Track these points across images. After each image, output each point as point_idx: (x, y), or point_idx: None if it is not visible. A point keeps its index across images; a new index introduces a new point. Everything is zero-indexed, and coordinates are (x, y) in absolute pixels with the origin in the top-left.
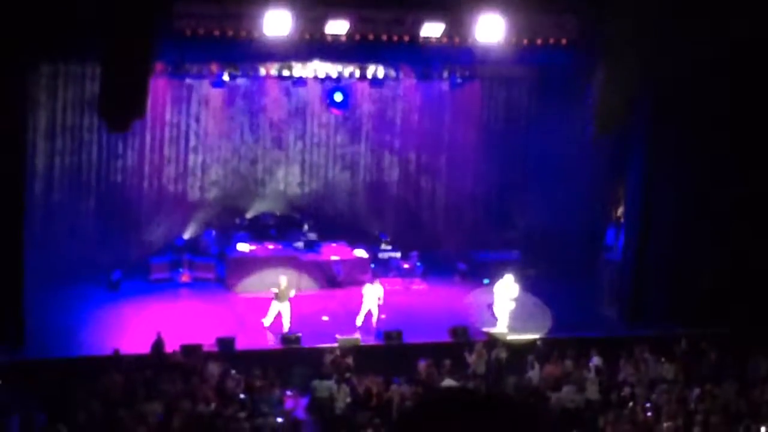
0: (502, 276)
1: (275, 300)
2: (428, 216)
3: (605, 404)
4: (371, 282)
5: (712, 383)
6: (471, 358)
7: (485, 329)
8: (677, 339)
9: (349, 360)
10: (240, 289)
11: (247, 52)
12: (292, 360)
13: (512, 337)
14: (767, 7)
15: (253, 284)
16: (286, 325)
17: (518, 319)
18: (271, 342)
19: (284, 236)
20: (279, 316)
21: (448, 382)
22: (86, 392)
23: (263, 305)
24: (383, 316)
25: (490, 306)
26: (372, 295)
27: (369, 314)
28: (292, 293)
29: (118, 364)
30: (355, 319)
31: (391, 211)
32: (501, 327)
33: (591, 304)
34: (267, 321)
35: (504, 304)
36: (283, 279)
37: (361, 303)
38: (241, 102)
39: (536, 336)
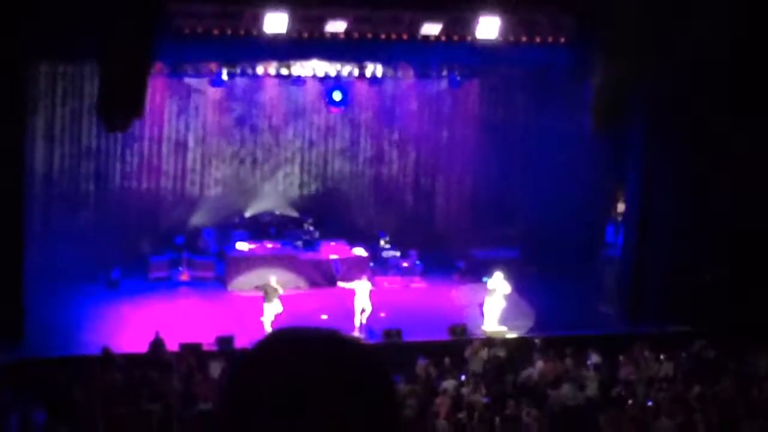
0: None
1: (265, 301)
2: (427, 214)
3: (605, 402)
4: (359, 280)
5: (712, 381)
6: (468, 357)
7: (483, 328)
8: (679, 337)
9: None
10: (237, 287)
11: (246, 51)
12: None
13: (510, 335)
14: (766, 5)
15: (250, 283)
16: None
17: (504, 317)
18: None
19: (283, 235)
20: (275, 314)
21: (448, 381)
22: (86, 391)
23: (262, 304)
24: (382, 315)
25: (480, 304)
26: (363, 292)
27: (363, 312)
28: (279, 293)
29: (110, 363)
30: (353, 319)
31: (390, 209)
32: (494, 325)
33: (590, 302)
34: (266, 320)
35: (495, 302)
36: (272, 279)
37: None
38: (239, 101)
39: (531, 334)
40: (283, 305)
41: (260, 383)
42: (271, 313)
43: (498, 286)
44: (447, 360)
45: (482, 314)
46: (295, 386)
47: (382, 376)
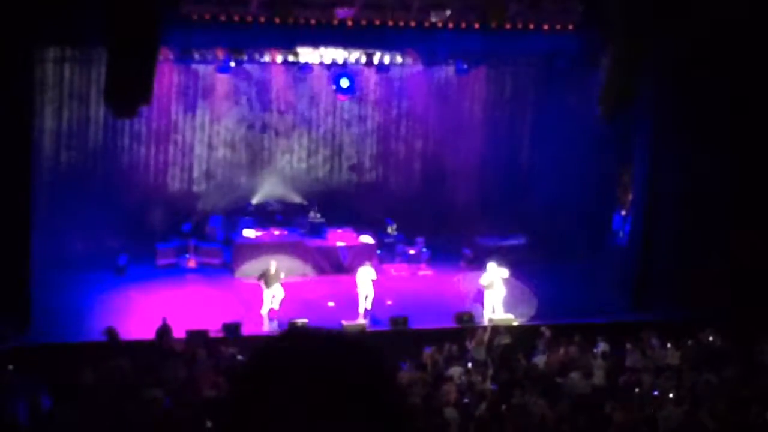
0: (504, 262)
1: (265, 287)
2: (434, 202)
3: (612, 390)
4: (362, 266)
5: (719, 369)
6: (470, 345)
7: (488, 316)
8: (686, 325)
9: None
10: (244, 274)
11: (254, 38)
12: None
13: (516, 323)
14: None
15: (257, 270)
16: (276, 309)
17: (505, 305)
18: (272, 330)
19: (290, 222)
20: (277, 300)
21: (454, 368)
22: (93, 377)
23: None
24: (389, 302)
25: (479, 293)
26: (366, 279)
27: (367, 298)
28: (281, 277)
29: (116, 347)
30: (358, 306)
31: (397, 197)
32: (499, 313)
33: (597, 290)
34: (264, 309)
35: (495, 292)
36: (272, 264)
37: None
38: (247, 88)
39: (538, 322)
40: (284, 291)
41: (264, 389)
42: (271, 299)
43: (494, 277)
44: (453, 347)
45: (482, 304)
46: (299, 389)
47: (384, 380)
